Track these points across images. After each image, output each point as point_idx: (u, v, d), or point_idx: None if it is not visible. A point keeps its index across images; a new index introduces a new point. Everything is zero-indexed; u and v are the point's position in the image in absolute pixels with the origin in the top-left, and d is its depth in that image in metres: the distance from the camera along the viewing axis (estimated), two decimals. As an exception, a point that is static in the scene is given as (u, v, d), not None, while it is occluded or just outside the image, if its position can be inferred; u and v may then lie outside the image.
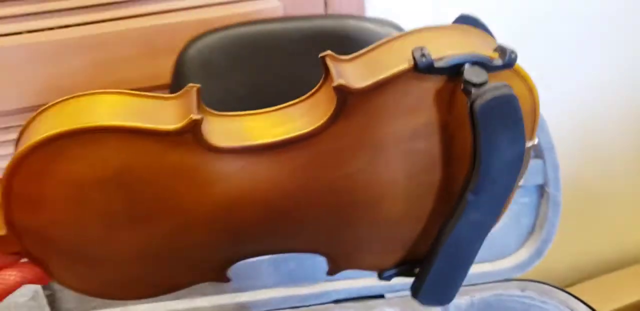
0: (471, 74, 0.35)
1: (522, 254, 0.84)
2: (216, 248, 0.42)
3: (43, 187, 0.35)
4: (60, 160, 0.34)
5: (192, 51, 0.85)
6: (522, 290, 0.83)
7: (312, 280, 0.80)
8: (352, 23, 0.84)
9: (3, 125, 0.92)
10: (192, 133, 0.34)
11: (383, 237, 0.44)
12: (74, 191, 0.36)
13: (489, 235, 0.83)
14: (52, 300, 0.78)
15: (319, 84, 0.38)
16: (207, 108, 0.38)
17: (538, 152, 0.81)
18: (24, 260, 0.39)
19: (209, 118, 0.37)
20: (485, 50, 0.36)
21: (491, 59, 0.36)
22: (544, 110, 0.80)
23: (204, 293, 0.83)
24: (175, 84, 0.88)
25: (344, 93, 0.34)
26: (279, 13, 0.95)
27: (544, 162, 0.80)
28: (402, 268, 0.47)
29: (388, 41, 0.38)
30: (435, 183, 0.41)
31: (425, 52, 0.34)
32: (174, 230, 0.38)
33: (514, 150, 0.36)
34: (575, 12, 1.03)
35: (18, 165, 0.34)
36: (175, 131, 0.34)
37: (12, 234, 0.36)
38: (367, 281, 0.81)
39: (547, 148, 0.80)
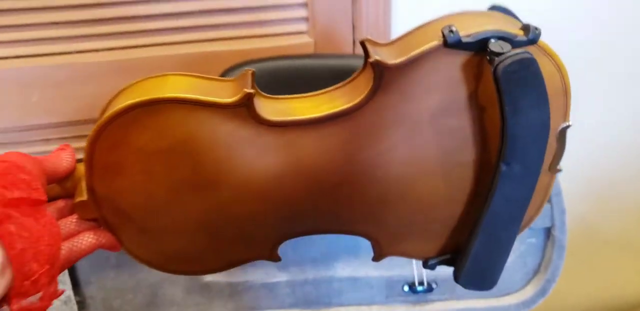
0: (496, 46, 0.37)
1: (527, 292, 0.88)
2: (269, 221, 0.44)
3: (119, 154, 0.39)
4: (133, 129, 0.38)
5: (227, 81, 0.91)
6: (526, 327, 0.86)
7: (327, 303, 0.84)
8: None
9: (45, 137, 0.97)
10: (246, 106, 0.38)
11: (425, 220, 0.45)
12: (144, 159, 0.40)
13: None
14: (81, 307, 0.83)
15: (360, 69, 0.41)
16: (260, 91, 0.41)
17: (547, 196, 0.86)
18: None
19: (261, 98, 0.41)
20: (510, 29, 0.38)
21: (516, 35, 0.38)
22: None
23: (223, 309, 0.86)
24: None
25: (380, 69, 0.37)
26: (310, 49, 1.00)
27: (552, 207, 0.85)
28: (445, 258, 0.48)
29: (421, 26, 0.41)
30: (471, 164, 0.42)
31: (454, 28, 0.37)
32: (231, 199, 0.42)
33: (538, 114, 0.37)
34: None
35: (98, 134, 0.38)
36: (232, 103, 0.38)
37: (92, 200, 0.40)
38: (381, 308, 0.85)
39: (555, 194, 0.84)
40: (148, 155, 0.39)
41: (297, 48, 1.00)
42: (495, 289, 0.89)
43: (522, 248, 0.88)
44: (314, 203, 0.43)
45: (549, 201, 0.85)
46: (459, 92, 0.40)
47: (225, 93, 0.39)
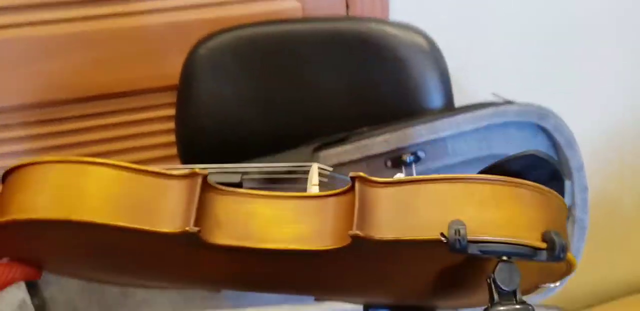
0: (503, 273, 0.33)
1: (543, 281, 0.79)
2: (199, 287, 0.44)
3: (27, 242, 0.37)
4: (39, 236, 0.36)
5: (203, 51, 0.81)
6: (541, 319, 0.77)
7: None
8: (373, 26, 0.79)
9: (3, 122, 0.88)
10: (188, 238, 0.33)
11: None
12: (55, 248, 0.39)
13: None
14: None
15: (341, 190, 0.36)
16: (217, 187, 0.35)
17: (566, 172, 0.76)
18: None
19: (217, 199, 0.35)
20: (532, 235, 0.34)
21: (535, 251, 0.34)
22: (574, 126, 0.76)
23: (201, 308, 0.78)
24: (184, 86, 0.84)
25: (359, 240, 0.33)
26: (298, 14, 0.90)
27: (572, 183, 0.75)
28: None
29: (432, 181, 0.35)
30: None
31: (462, 232, 0.32)
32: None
33: None
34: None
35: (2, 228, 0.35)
36: (172, 234, 0.33)
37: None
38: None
39: (576, 168, 0.74)
40: (58, 246, 0.39)
41: (283, 13, 0.90)
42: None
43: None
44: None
45: (570, 178, 0.75)
46: (436, 266, 0.38)
47: (167, 205, 0.34)
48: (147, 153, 0.97)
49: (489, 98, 0.77)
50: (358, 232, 0.33)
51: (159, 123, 0.96)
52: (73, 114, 0.92)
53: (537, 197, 0.36)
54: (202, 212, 0.34)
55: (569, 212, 0.77)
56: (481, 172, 0.41)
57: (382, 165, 0.74)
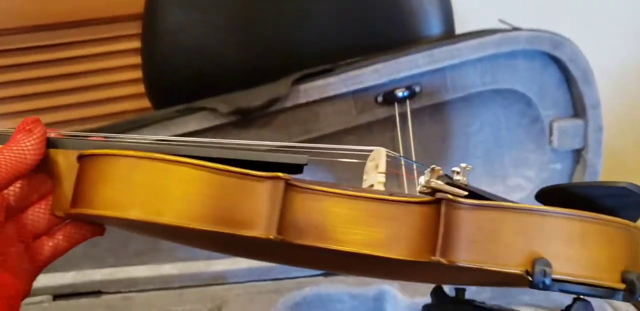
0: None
1: (548, 229, 0.72)
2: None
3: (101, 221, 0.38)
4: (116, 223, 0.39)
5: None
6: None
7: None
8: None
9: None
10: (270, 240, 0.34)
11: None
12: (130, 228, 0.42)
13: None
14: None
15: (424, 200, 0.35)
16: (296, 184, 0.35)
17: (579, 110, 0.67)
18: None
19: (296, 200, 0.35)
20: (613, 276, 0.34)
21: (613, 292, 0.34)
22: (590, 57, 0.66)
23: (173, 259, 0.71)
24: (148, 14, 0.73)
25: (437, 263, 0.33)
26: None
27: (586, 123, 0.66)
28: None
29: (522, 211, 0.34)
30: None
31: (549, 272, 0.32)
32: None
33: None
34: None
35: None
36: (254, 238, 0.34)
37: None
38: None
39: (592, 106, 0.66)
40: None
41: None
42: (508, 226, 0.75)
43: (543, 176, 0.71)
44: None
45: (583, 116, 0.66)
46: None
47: (251, 207, 0.34)
48: (114, 90, 0.88)
49: (495, 25, 0.67)
50: (441, 259, 0.33)
51: (126, 56, 0.86)
52: (28, 45, 0.83)
53: (623, 235, 0.36)
54: (283, 216, 0.34)
55: (579, 155, 0.69)
56: (558, 197, 0.41)
57: (371, 100, 0.65)
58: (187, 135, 0.65)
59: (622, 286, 0.33)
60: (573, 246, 0.34)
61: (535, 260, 0.33)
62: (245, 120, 0.64)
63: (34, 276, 0.38)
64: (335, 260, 0.40)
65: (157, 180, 0.33)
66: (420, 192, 0.42)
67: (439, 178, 0.42)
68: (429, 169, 0.43)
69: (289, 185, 0.34)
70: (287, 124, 0.66)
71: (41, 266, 0.38)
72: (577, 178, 0.70)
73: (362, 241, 0.35)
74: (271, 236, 0.33)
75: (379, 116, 0.66)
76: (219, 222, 0.33)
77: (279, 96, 0.60)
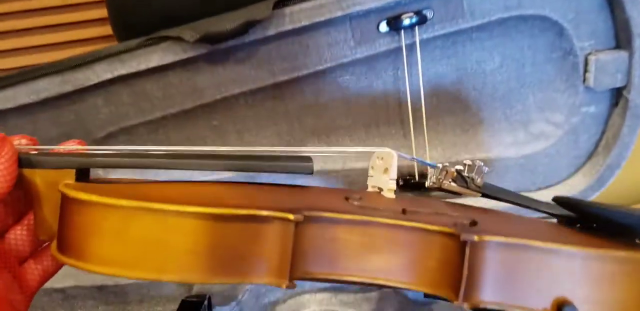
0: None
1: (576, 183, 0.63)
2: None
3: None
4: None
5: None
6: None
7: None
8: None
9: None
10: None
11: None
12: None
13: (530, 156, 0.63)
14: None
15: (447, 231, 0.33)
16: (306, 217, 0.32)
17: (622, 40, 0.56)
18: None
19: (306, 234, 0.33)
20: None
21: None
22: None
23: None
24: None
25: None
26: None
27: (630, 55, 0.55)
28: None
29: (550, 253, 0.32)
30: None
31: None
32: None
33: None
34: None
35: None
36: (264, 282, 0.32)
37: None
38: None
39: (639, 34, 0.54)
40: None
41: None
42: (527, 181, 0.65)
43: (574, 120, 0.60)
44: None
45: (628, 47, 0.55)
46: None
47: (260, 255, 0.32)
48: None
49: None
50: (465, 305, 0.33)
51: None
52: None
53: None
54: (295, 257, 0.33)
55: (619, 95, 0.58)
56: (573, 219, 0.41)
57: (373, 28, 0.54)
58: (150, 71, 0.54)
59: None
60: (601, 288, 0.33)
61: (561, 306, 0.32)
62: (218, 52, 0.53)
63: (27, 305, 0.35)
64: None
65: (156, 234, 0.30)
66: (429, 187, 0.44)
67: (452, 180, 0.42)
68: (440, 166, 0.43)
69: (298, 224, 0.32)
70: (270, 59, 0.55)
71: (33, 293, 0.36)
72: (614, 124, 0.59)
73: (377, 269, 0.33)
74: (283, 286, 0.32)
75: (381, 48, 0.55)
76: (227, 272, 0.31)
77: (256, 19, 0.48)
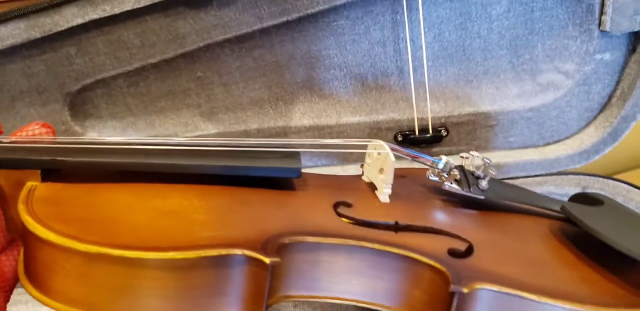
0: None
1: (587, 137, 0.60)
2: None
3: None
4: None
5: None
6: (584, 188, 0.58)
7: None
8: None
9: None
10: None
11: None
12: None
13: (538, 109, 0.59)
14: None
15: (437, 266, 0.32)
16: (284, 246, 0.32)
17: (642, -22, 0.51)
18: None
19: (285, 264, 0.32)
20: None
21: None
22: None
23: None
24: None
25: None
26: None
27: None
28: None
29: (541, 304, 0.32)
30: None
31: None
32: None
33: None
34: None
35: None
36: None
37: None
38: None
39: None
40: None
41: None
42: (535, 135, 0.61)
43: (586, 69, 0.57)
44: None
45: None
46: None
47: (233, 294, 0.32)
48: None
49: None
50: None
51: None
52: None
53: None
54: (272, 286, 0.32)
55: (636, 40, 0.54)
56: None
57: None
58: (126, 15, 0.50)
59: None
60: None
61: None
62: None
63: (6, 299, 0.35)
64: None
65: (121, 280, 0.29)
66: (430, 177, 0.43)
67: (455, 180, 0.41)
68: (443, 161, 0.43)
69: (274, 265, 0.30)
70: (257, 1, 0.51)
71: (11, 284, 0.35)
72: (630, 72, 0.56)
73: (361, 292, 0.33)
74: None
75: (378, -12, 0.51)
76: None
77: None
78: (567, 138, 0.61)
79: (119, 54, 0.53)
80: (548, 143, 0.61)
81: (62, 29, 0.50)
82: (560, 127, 0.60)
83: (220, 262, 0.30)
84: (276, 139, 0.37)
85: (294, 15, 0.52)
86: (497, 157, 0.60)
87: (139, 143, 0.37)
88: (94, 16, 0.50)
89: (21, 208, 0.31)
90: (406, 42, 0.55)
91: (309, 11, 0.52)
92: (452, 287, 0.31)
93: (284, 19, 0.52)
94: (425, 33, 0.54)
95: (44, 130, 0.37)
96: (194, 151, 0.37)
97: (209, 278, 0.30)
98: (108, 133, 0.59)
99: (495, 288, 0.31)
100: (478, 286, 0.31)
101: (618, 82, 0.58)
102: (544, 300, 0.31)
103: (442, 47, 0.56)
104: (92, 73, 0.54)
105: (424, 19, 0.54)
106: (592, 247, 0.38)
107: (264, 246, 0.31)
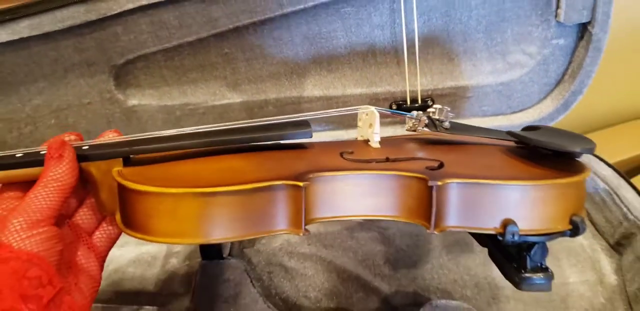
0: (538, 252, 0.44)
1: (545, 107, 0.71)
2: None
3: None
4: None
5: None
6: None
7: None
8: None
9: None
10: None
11: None
12: None
13: (507, 83, 0.71)
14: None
15: (417, 176, 0.43)
16: (312, 177, 0.41)
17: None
18: None
19: (313, 192, 0.42)
20: (564, 222, 0.43)
21: (562, 233, 0.43)
22: None
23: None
24: None
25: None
26: None
27: (597, -8, 0.62)
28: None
29: (498, 186, 0.42)
30: None
31: (516, 231, 0.42)
32: None
33: None
34: None
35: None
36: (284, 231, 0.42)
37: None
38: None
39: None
40: None
41: None
42: (505, 104, 0.73)
43: (545, 52, 0.68)
44: None
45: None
46: None
47: (280, 213, 0.42)
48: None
49: None
50: (435, 232, 0.42)
51: None
52: None
53: (574, 190, 0.43)
54: (306, 211, 0.41)
55: (584, 29, 0.66)
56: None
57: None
58: (170, 2, 0.58)
59: (570, 227, 0.43)
60: (535, 208, 0.42)
61: (506, 224, 0.41)
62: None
63: (102, 268, 0.42)
64: None
65: (201, 210, 0.38)
66: (407, 130, 0.55)
67: (425, 125, 0.53)
68: (415, 114, 0.54)
69: (306, 187, 0.40)
70: (279, -10, 0.60)
71: (104, 257, 0.43)
72: (579, 55, 0.67)
73: (369, 209, 0.43)
74: (300, 234, 0.41)
75: (381, -17, 0.60)
76: (258, 229, 0.40)
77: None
78: (529, 108, 0.71)
79: (159, 33, 0.62)
80: (514, 112, 0.72)
81: (115, 12, 0.58)
82: (524, 98, 0.71)
83: (268, 190, 0.40)
84: (289, 115, 0.47)
85: (310, 4, 0.61)
86: (473, 123, 0.70)
87: (187, 130, 0.46)
88: (144, 2, 0.58)
89: (119, 179, 0.39)
90: (401, 26, 0.65)
91: (322, 0, 0.61)
92: (430, 182, 0.41)
93: (301, 6, 0.61)
94: (417, 19, 0.65)
95: (116, 135, 0.45)
96: (231, 129, 0.46)
97: (262, 203, 0.40)
98: (146, 100, 0.68)
99: (460, 180, 0.41)
100: (448, 180, 0.41)
101: (569, 63, 0.68)
102: (493, 182, 0.41)
103: (430, 30, 0.67)
104: (135, 49, 0.62)
105: (416, 7, 0.64)
106: (529, 154, 0.49)
107: (296, 178, 0.40)
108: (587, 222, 0.70)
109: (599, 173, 0.69)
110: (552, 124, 0.71)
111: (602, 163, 0.70)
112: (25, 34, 0.58)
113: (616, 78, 1.03)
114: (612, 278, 0.63)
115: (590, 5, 0.64)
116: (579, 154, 0.47)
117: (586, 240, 0.68)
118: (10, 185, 0.41)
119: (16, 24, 0.57)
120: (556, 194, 0.42)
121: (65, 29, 0.59)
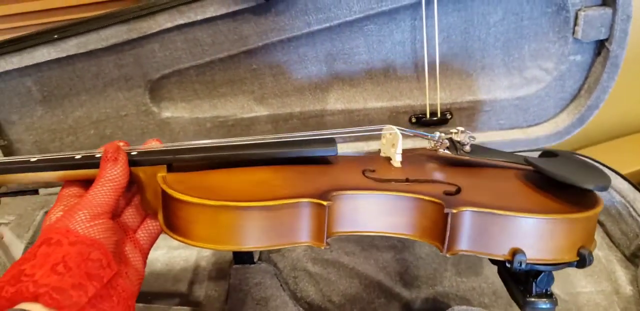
0: (543, 280, 0.47)
1: (561, 121, 0.73)
2: None
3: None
4: None
5: None
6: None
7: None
8: None
9: None
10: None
11: None
12: None
13: (523, 98, 0.73)
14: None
15: (433, 200, 0.45)
16: (334, 196, 0.45)
17: (608, -1, 0.65)
18: None
19: (335, 209, 0.45)
20: (571, 253, 0.45)
21: (569, 264, 0.46)
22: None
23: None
24: None
25: None
26: None
27: (614, 12, 0.64)
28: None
29: (509, 218, 0.45)
30: None
31: (523, 260, 0.44)
32: None
33: None
34: None
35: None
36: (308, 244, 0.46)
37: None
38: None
39: (622, -8, 0.63)
40: None
41: None
42: (521, 118, 0.75)
43: (562, 68, 0.70)
44: None
45: (612, 4, 0.64)
46: None
47: (304, 227, 0.45)
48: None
49: None
50: (447, 255, 0.45)
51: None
52: None
53: (583, 224, 0.45)
54: (328, 226, 0.44)
55: (602, 46, 0.68)
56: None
57: (397, -15, 0.62)
58: (204, 21, 0.62)
59: (577, 259, 0.45)
60: (544, 240, 0.44)
61: (515, 253, 0.43)
62: (262, 4, 0.61)
63: (145, 263, 0.46)
64: None
65: (236, 221, 0.42)
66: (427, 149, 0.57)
67: (446, 147, 0.55)
68: (437, 136, 0.56)
69: (329, 206, 0.43)
70: (307, 10, 0.63)
71: (147, 253, 0.47)
72: (595, 71, 0.69)
73: (386, 226, 0.45)
74: (322, 247, 0.44)
75: (403, 2, 0.64)
76: (283, 240, 0.44)
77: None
78: (545, 121, 0.73)
79: (193, 50, 0.66)
80: (530, 125, 0.74)
81: (154, 31, 0.63)
82: (540, 112, 0.73)
83: (295, 207, 0.43)
84: (316, 131, 0.51)
85: (335, 22, 0.65)
86: (490, 136, 0.74)
87: (223, 142, 0.50)
88: (181, 21, 0.62)
89: (164, 187, 0.44)
90: (422, 42, 0.68)
91: (347, 19, 0.64)
92: (446, 210, 0.43)
93: (327, 24, 0.64)
94: (437, 36, 0.68)
95: (159, 143, 0.50)
96: (262, 143, 0.50)
97: (288, 217, 0.43)
98: (179, 113, 0.72)
99: (475, 209, 0.43)
100: (463, 208, 0.43)
101: (586, 78, 0.70)
102: (506, 213, 0.43)
103: (449, 47, 0.69)
104: (170, 65, 0.67)
105: (437, 25, 0.67)
106: (544, 183, 0.50)
107: (320, 196, 0.44)
108: (603, 234, 0.71)
109: (615, 186, 0.71)
110: (567, 138, 0.73)
111: (619, 178, 0.72)
112: (72, 51, 0.63)
113: (627, 90, 1.04)
114: (627, 288, 0.65)
115: (608, 22, 0.65)
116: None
117: (602, 252, 0.69)
118: (70, 183, 0.46)
119: (64, 43, 0.62)
120: (567, 228, 0.44)
121: (107, 47, 0.63)
